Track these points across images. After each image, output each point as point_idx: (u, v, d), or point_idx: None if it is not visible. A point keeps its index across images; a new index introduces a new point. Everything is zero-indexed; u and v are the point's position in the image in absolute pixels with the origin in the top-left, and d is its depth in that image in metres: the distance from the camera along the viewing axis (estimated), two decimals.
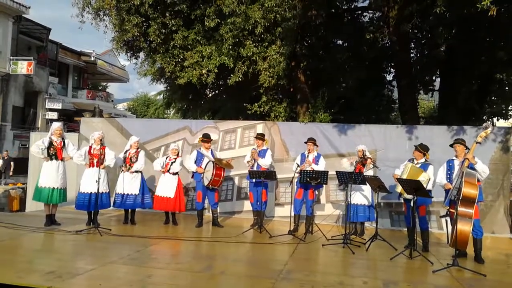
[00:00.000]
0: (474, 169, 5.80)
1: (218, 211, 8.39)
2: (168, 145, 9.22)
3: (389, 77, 15.11)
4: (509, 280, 5.32)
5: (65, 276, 4.51)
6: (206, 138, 8.08)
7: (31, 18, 22.57)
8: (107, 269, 4.94)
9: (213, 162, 7.75)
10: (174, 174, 8.03)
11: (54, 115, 22.45)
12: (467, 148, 6.17)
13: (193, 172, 8.04)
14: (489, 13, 5.82)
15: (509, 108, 15.11)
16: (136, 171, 7.94)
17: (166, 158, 8.17)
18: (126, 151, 8.04)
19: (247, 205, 8.97)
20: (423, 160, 6.65)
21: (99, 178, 7.10)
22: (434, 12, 7.49)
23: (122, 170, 7.94)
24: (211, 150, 8.19)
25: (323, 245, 6.61)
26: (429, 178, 6.30)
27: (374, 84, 14.11)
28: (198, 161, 7.97)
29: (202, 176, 7.84)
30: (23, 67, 20.71)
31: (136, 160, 7.93)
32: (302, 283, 4.66)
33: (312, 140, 7.80)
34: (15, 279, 4.31)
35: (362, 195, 7.53)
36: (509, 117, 15.40)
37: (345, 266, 5.77)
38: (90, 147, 7.61)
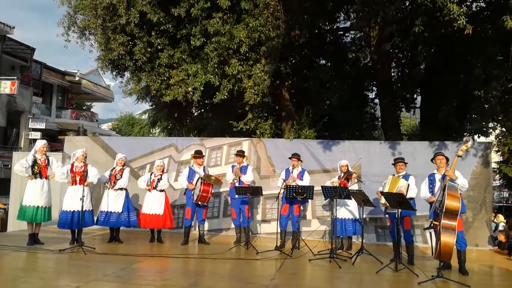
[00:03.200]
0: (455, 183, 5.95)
1: (205, 228, 8.36)
2: (154, 163, 9.20)
3: (372, 95, 15.45)
4: None
5: None
6: (198, 154, 8.13)
7: (15, 38, 22.45)
8: (91, 287, 4.86)
9: (201, 178, 7.76)
10: (161, 191, 8.01)
11: (37, 135, 22.09)
12: (447, 160, 6.35)
13: (185, 188, 8.05)
14: (465, 32, 6.06)
15: (489, 126, 15.52)
16: (120, 189, 7.89)
17: (151, 174, 8.16)
18: (113, 168, 8.00)
19: None
20: (404, 172, 6.86)
21: (83, 196, 7.03)
22: (413, 32, 7.75)
23: (107, 188, 7.88)
24: (204, 166, 8.22)
25: (310, 260, 6.62)
26: (408, 184, 6.53)
27: (357, 102, 14.39)
28: (190, 178, 8.00)
29: (192, 192, 7.83)
30: (7, 86, 20.46)
31: (121, 177, 7.90)
32: None
33: (296, 156, 7.89)
34: None
35: (347, 210, 7.61)
36: (489, 134, 15.79)
37: (332, 280, 5.78)
38: (72, 165, 7.54)
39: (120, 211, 7.82)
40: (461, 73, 11.77)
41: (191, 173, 8.03)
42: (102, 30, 10.09)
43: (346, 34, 13.75)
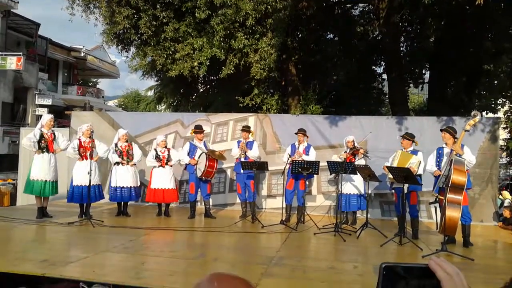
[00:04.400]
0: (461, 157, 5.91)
1: (211, 203, 8.44)
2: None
3: (380, 70, 15.24)
4: (496, 264, 5.45)
5: (58, 264, 4.52)
6: (198, 129, 8.11)
7: (20, 13, 22.29)
8: (100, 257, 4.96)
9: (206, 153, 7.78)
10: (171, 166, 8.08)
11: (44, 111, 22.06)
12: (455, 137, 6.26)
13: (186, 164, 8.08)
14: (477, 2, 5.90)
15: (498, 102, 15.36)
16: (134, 164, 8.05)
17: (156, 151, 8.14)
18: (116, 144, 8.01)
19: None
20: (411, 148, 6.78)
21: (91, 170, 7.09)
22: (423, 3, 7.58)
23: (121, 163, 7.91)
24: (204, 141, 8.23)
25: (315, 234, 6.68)
26: (420, 161, 6.45)
27: (365, 77, 14.23)
28: (191, 153, 8.00)
29: (195, 167, 7.87)
30: (12, 62, 20.41)
31: (133, 153, 7.99)
32: (294, 268, 4.72)
33: (302, 131, 7.86)
34: (9, 267, 4.31)
35: (352, 185, 7.62)
36: (497, 111, 15.65)
37: (336, 252, 5.85)
38: (80, 140, 7.58)
39: (137, 185, 8.03)
40: (471, 47, 11.55)
41: (192, 148, 8.03)
42: (106, 3, 9.98)
43: (355, 7, 13.50)
